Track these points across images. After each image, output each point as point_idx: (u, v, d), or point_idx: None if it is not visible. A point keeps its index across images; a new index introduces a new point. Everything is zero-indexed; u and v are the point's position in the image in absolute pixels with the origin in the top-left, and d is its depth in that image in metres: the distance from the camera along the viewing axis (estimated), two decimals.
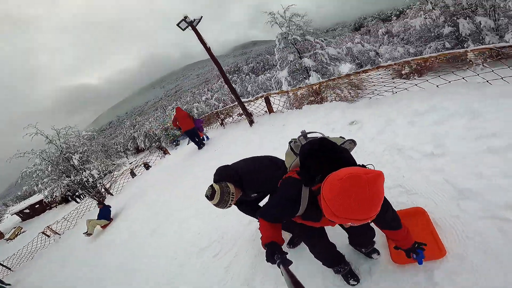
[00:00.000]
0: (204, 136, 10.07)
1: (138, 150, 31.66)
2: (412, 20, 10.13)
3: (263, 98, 8.08)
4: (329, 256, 1.95)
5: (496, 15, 7.32)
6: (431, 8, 8.58)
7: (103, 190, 12.08)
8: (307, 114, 6.19)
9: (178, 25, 6.62)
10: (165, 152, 13.37)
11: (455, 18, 8.02)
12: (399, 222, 1.63)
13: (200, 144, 9.14)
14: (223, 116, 11.00)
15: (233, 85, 8.12)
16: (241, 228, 3.31)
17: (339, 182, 1.10)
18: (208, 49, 7.25)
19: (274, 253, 1.53)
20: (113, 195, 10.81)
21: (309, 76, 14.21)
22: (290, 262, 1.51)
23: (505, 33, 7.06)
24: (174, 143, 22.27)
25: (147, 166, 12.47)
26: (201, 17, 6.80)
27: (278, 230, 1.65)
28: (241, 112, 8.70)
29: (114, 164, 14.80)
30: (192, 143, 9.86)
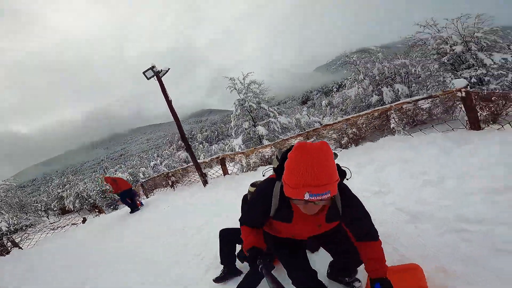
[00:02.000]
0: (140, 202, 9.49)
1: (63, 211, 27.09)
2: (349, 91, 11.85)
3: (218, 159, 8.16)
4: (308, 282, 1.71)
5: (409, 81, 9.36)
6: (362, 78, 10.34)
7: (8, 243, 9.69)
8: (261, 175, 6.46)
9: (144, 73, 6.81)
10: (100, 212, 11.77)
11: (380, 87, 9.77)
12: (376, 232, 1.59)
13: (134, 208, 8.56)
14: (174, 178, 10.56)
15: (185, 154, 8.25)
16: None
17: (290, 155, 1.23)
18: (169, 102, 7.42)
19: (256, 258, 1.53)
20: (22, 248, 8.64)
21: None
22: (273, 267, 1.50)
23: (417, 96, 8.73)
24: (112, 207, 20.39)
25: (84, 220, 10.86)
26: (168, 69, 7.17)
27: (260, 236, 1.65)
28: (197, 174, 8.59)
29: (29, 219, 12.28)
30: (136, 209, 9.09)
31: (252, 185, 2.52)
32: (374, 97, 9.70)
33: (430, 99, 4.73)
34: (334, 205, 1.49)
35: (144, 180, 13.31)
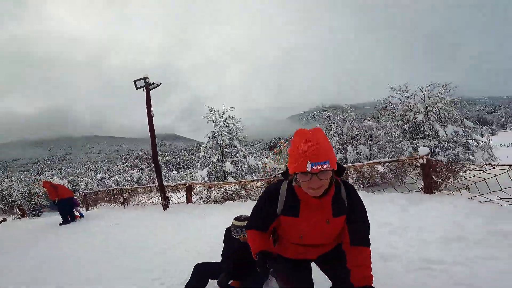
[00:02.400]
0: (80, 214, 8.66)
1: None
2: None
3: (184, 186, 7.91)
4: None
5: (371, 144, 10.10)
6: (332, 134, 10.96)
7: None
8: (230, 208, 6.36)
9: (135, 81, 6.72)
10: (23, 215, 10.28)
11: (346, 146, 10.43)
12: (369, 240, 1.60)
13: (67, 220, 7.76)
14: (127, 195, 9.70)
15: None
16: None
17: (291, 141, 1.41)
18: (151, 117, 7.26)
19: (266, 262, 1.51)
20: None
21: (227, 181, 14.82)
22: (284, 270, 1.52)
23: (375, 158, 9.26)
24: (34, 213, 18.02)
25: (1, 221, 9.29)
26: (160, 84, 7.18)
27: (267, 240, 1.65)
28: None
29: None
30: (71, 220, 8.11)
31: (237, 219, 2.53)
32: (339, 155, 10.24)
33: (396, 163, 5.30)
34: (339, 195, 1.53)
35: (88, 191, 12.35)
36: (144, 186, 9.92)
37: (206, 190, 8.53)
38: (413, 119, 8.48)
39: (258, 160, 23.17)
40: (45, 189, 8.61)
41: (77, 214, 8.33)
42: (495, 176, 3.72)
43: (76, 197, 9.09)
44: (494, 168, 3.75)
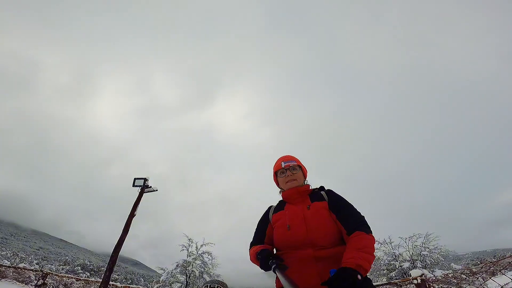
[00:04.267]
0: None
1: None
2: None
3: None
4: None
5: None
6: None
7: None
8: None
9: (135, 179, 7.01)
10: None
11: None
12: (368, 228, 1.57)
13: None
14: (51, 280, 7.85)
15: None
16: None
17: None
18: (132, 216, 7.06)
19: (268, 259, 1.53)
20: None
21: None
22: (286, 267, 1.45)
23: None
24: None
25: None
26: (156, 190, 7.43)
27: (267, 246, 1.72)
28: None
29: None
30: None
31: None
32: None
33: (389, 285, 4.92)
34: (318, 192, 1.80)
35: None
36: (82, 279, 7.99)
37: None
38: (399, 267, 8.60)
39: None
40: None
41: None
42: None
43: None
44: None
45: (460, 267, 8.54)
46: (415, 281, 4.34)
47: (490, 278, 4.11)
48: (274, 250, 1.73)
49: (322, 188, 1.85)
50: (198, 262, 14.33)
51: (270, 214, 1.86)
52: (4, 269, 9.91)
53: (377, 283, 5.07)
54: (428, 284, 4.37)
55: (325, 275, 1.53)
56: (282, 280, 1.38)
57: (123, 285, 6.90)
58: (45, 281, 8.06)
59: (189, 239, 14.77)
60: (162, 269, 14.60)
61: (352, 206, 1.64)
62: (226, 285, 2.29)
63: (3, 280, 9.39)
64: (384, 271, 9.11)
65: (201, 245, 14.63)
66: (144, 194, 6.84)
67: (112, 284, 7.07)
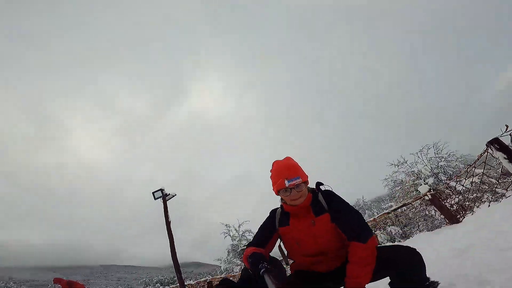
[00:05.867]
0: None
1: None
2: None
3: (205, 283, 7.69)
4: None
5: (400, 223, 8.98)
6: None
7: None
8: None
9: (153, 193, 7.39)
10: None
11: (374, 231, 9.39)
12: (366, 234, 1.60)
13: None
14: None
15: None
16: None
17: (271, 170, 1.84)
18: (168, 223, 7.51)
19: (258, 262, 1.56)
20: None
21: None
22: (275, 271, 1.52)
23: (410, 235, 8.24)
24: None
25: None
26: (175, 194, 7.77)
27: (260, 250, 1.75)
28: None
29: None
30: None
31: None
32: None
33: (405, 206, 5.07)
34: (318, 201, 1.78)
35: None
36: None
37: None
38: (425, 184, 8.37)
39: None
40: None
41: None
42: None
43: None
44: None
45: (481, 170, 8.23)
46: (426, 197, 4.38)
47: None
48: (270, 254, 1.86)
49: (319, 186, 1.87)
50: (243, 242, 15.10)
51: (276, 223, 1.87)
52: None
53: (394, 207, 5.17)
54: (441, 197, 4.39)
55: (331, 267, 1.74)
56: (269, 283, 1.42)
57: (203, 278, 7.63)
58: None
59: (226, 225, 15.48)
60: (219, 259, 15.56)
61: (350, 210, 1.70)
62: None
63: None
64: (414, 193, 8.97)
65: (239, 226, 15.26)
66: (168, 203, 7.36)
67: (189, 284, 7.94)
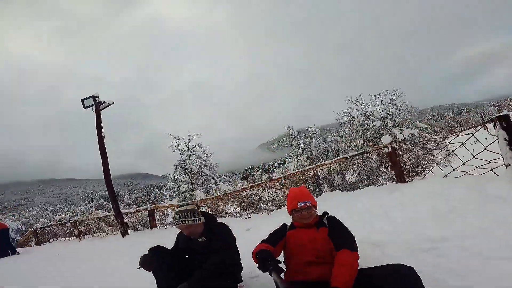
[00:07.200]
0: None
1: None
2: (288, 164, 12.44)
3: (147, 211, 7.24)
4: None
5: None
6: (301, 152, 11.12)
7: None
8: None
9: (82, 100, 6.27)
10: None
11: (315, 162, 10.45)
12: (354, 243, 1.91)
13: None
14: (83, 227, 8.75)
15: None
16: None
17: (288, 195, 2.26)
18: (102, 138, 6.68)
19: (267, 260, 1.74)
20: None
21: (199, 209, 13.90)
22: (282, 270, 1.65)
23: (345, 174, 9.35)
24: None
25: None
26: (112, 103, 6.73)
27: (269, 247, 2.04)
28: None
29: None
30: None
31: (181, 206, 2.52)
32: (310, 172, 10.26)
33: (363, 154, 5.18)
34: (322, 221, 2.13)
35: (39, 226, 11.03)
36: (101, 216, 8.94)
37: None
38: (372, 126, 9.07)
39: (231, 187, 22.59)
40: None
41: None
42: (462, 143, 3.49)
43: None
44: (457, 135, 3.63)
45: (424, 125, 9.17)
46: (385, 149, 4.35)
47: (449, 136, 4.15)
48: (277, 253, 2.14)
49: (325, 214, 2.21)
50: (192, 157, 14.73)
51: (286, 230, 2.23)
52: (51, 229, 10.02)
53: (351, 154, 5.23)
54: (398, 153, 4.38)
55: (323, 272, 1.86)
56: (278, 281, 1.53)
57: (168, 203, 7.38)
58: (80, 229, 8.49)
59: (175, 138, 14.67)
60: (165, 176, 15.39)
61: (345, 228, 2.06)
62: (196, 208, 2.34)
63: (53, 239, 9.58)
64: (360, 132, 9.62)
65: (189, 139, 14.60)
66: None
67: (162, 206, 7.64)
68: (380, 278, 1.61)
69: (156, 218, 7.10)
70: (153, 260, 2.15)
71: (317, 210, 2.21)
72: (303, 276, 1.90)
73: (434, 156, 4.78)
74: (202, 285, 1.94)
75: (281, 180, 6.06)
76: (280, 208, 5.95)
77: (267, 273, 1.73)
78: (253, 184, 6.58)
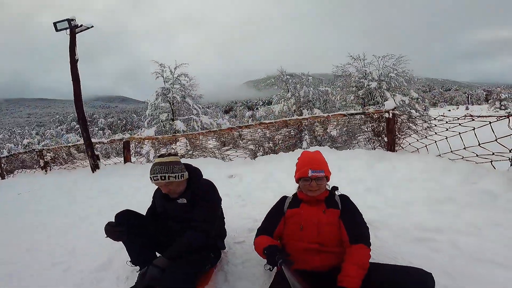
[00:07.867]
0: None
1: None
2: (274, 106, 12.32)
3: (121, 142, 6.76)
4: None
5: (326, 108, 10.45)
6: (290, 96, 10.97)
7: None
8: None
9: (55, 23, 5.43)
10: None
11: (302, 108, 10.53)
12: (369, 240, 1.67)
13: None
14: (49, 156, 8.16)
15: (77, 137, 6.80)
16: None
17: (298, 158, 1.90)
18: (74, 62, 5.95)
19: (275, 254, 1.56)
20: None
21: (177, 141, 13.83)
22: (292, 263, 1.53)
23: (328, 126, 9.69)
24: None
25: None
26: (92, 26, 5.86)
27: (272, 240, 1.78)
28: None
29: None
30: None
31: (160, 156, 2.02)
32: (294, 116, 10.28)
33: (361, 115, 5.06)
34: (333, 198, 1.84)
35: (5, 155, 9.87)
36: (71, 145, 8.44)
37: (154, 151, 7.68)
38: (366, 86, 8.93)
39: (213, 120, 22.22)
40: None
41: None
42: (474, 129, 3.23)
43: None
44: (473, 120, 3.35)
45: (417, 95, 9.09)
46: (386, 115, 4.25)
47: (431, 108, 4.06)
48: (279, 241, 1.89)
49: (334, 188, 1.91)
50: (176, 86, 14.09)
51: (285, 207, 1.91)
52: (15, 159, 9.01)
53: (350, 112, 5.09)
54: (397, 120, 4.31)
55: (325, 262, 1.67)
56: (288, 275, 1.42)
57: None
58: (46, 159, 7.78)
59: (160, 65, 13.76)
60: (145, 102, 14.53)
61: (361, 216, 1.79)
62: (179, 160, 1.98)
63: (16, 171, 8.66)
64: (353, 88, 9.56)
65: (175, 68, 13.84)
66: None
67: (139, 138, 7.08)
68: (399, 283, 1.41)
69: (131, 150, 6.79)
70: (122, 233, 1.80)
71: (327, 183, 1.88)
72: (302, 264, 1.67)
73: (416, 125, 4.89)
74: (181, 259, 1.71)
75: (273, 125, 5.76)
76: (260, 151, 5.86)
77: (269, 258, 1.59)
78: (242, 126, 6.28)
